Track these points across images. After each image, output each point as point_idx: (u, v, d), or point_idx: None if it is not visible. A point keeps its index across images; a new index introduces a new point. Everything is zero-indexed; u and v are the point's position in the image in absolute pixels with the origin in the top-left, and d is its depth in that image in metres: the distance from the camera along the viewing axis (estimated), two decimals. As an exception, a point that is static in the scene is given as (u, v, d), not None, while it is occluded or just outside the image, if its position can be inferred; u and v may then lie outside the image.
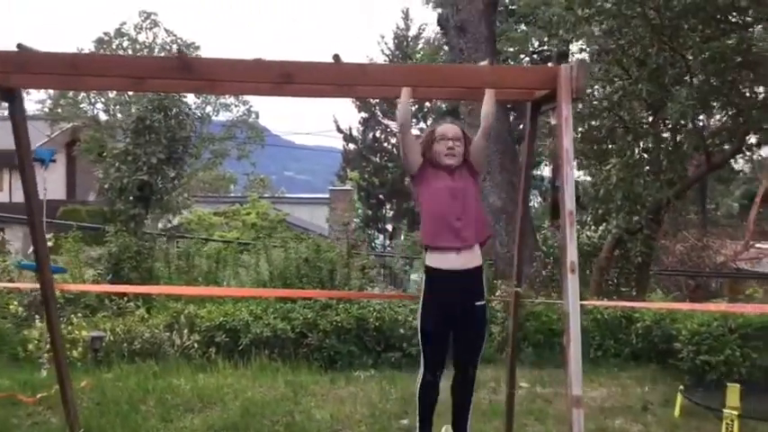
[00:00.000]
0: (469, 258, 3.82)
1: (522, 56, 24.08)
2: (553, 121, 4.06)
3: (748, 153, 10.42)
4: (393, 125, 31.39)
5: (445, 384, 4.06)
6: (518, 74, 3.93)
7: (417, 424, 4.00)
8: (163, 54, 24.43)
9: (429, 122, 30.97)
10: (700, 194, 20.08)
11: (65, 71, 3.51)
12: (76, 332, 7.35)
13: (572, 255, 3.27)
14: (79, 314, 7.94)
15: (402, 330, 7.63)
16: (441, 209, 3.83)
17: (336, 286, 8.74)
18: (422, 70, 3.71)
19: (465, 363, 3.94)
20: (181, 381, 6.72)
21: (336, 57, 3.68)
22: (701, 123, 10.34)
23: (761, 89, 9.86)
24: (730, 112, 10.11)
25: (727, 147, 10.91)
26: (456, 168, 3.90)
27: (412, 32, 32.21)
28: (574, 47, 12.42)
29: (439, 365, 3.89)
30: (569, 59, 22.27)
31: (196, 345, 7.67)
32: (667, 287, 12.89)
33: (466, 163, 3.94)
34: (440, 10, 25.49)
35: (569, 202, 3.34)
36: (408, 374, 7.20)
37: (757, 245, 19.97)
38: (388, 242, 30.09)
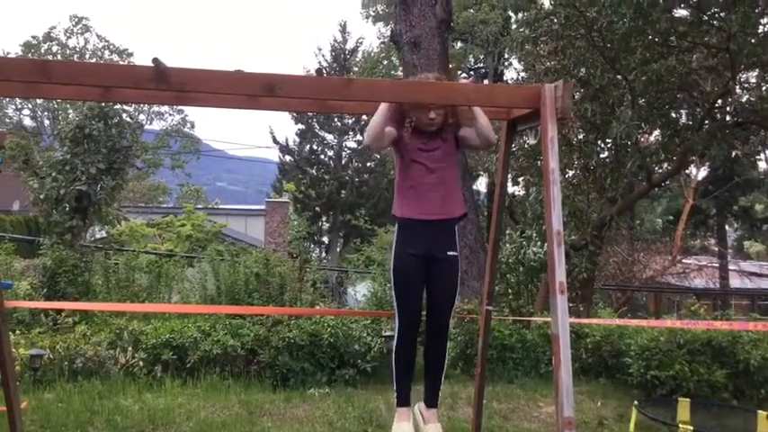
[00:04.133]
0: (444, 211, 3.63)
1: (459, 72, 24.44)
2: (531, 141, 4.02)
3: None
4: (329, 137, 31.31)
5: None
6: (501, 92, 3.89)
7: (395, 386, 3.67)
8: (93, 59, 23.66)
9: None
10: (628, 210, 20.80)
11: (32, 78, 3.29)
12: (14, 350, 6.94)
13: (560, 275, 3.24)
14: (17, 331, 7.53)
15: (357, 346, 7.52)
16: (414, 182, 3.62)
17: (287, 302, 8.57)
18: (408, 86, 3.64)
19: (438, 312, 3.65)
20: (128, 401, 6.46)
21: (319, 71, 3.59)
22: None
23: (697, 111, 10.26)
24: (667, 133, 10.48)
25: (664, 166, 11.34)
26: (436, 133, 3.67)
27: (349, 45, 32.26)
28: (518, 66, 12.71)
29: (414, 313, 3.61)
30: (504, 78, 22.73)
31: (141, 363, 7.39)
32: (600, 300, 13.25)
33: (451, 132, 3.71)
34: (380, 24, 25.78)
35: (556, 222, 3.32)
36: (365, 392, 7.14)
37: (683, 260, 20.82)
38: (324, 255, 29.91)
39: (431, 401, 3.73)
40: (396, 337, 3.65)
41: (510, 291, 9.68)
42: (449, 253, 3.65)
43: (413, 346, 3.68)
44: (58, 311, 8.33)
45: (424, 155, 3.66)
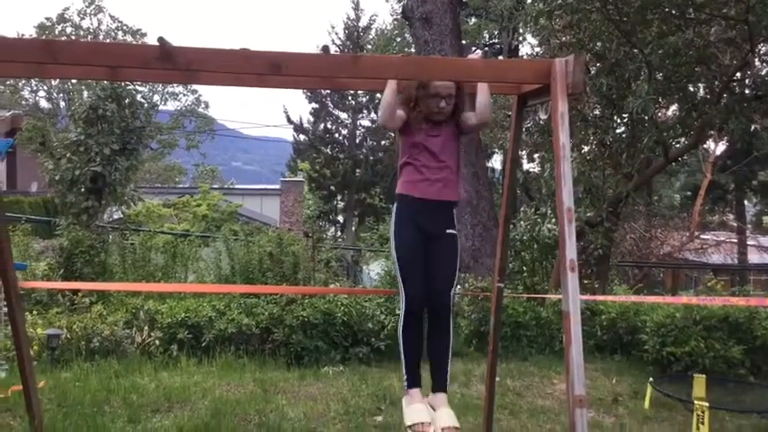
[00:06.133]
0: (443, 195, 3.63)
1: (473, 48, 24.17)
2: (542, 116, 3.95)
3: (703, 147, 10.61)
4: (343, 116, 31.24)
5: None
6: (510, 67, 3.82)
7: (404, 370, 3.61)
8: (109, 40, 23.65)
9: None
10: (646, 186, 20.57)
11: (37, 59, 3.28)
12: (31, 330, 7.03)
13: (571, 252, 3.21)
14: (35, 311, 7.61)
15: (370, 325, 7.53)
16: (419, 164, 3.62)
17: (300, 280, 8.59)
18: (416, 62, 3.59)
19: (438, 291, 3.58)
20: (144, 379, 6.51)
21: (326, 48, 3.56)
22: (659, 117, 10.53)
23: (715, 84, 10.08)
24: (685, 107, 10.32)
25: (681, 141, 11.18)
26: (442, 122, 3.68)
27: (363, 23, 32.06)
28: (532, 41, 12.58)
29: (420, 286, 3.55)
30: (519, 53, 22.50)
31: (157, 342, 7.45)
32: (617, 277, 13.18)
33: (453, 119, 3.71)
34: (393, 1, 25.51)
35: (567, 199, 3.29)
36: (378, 370, 7.17)
37: (701, 236, 20.62)
38: (339, 234, 29.96)
39: (439, 386, 3.62)
40: (402, 315, 3.60)
41: (524, 268, 9.64)
42: (447, 231, 3.66)
43: (420, 324, 3.66)
44: (75, 292, 8.41)
45: (429, 140, 3.66)
